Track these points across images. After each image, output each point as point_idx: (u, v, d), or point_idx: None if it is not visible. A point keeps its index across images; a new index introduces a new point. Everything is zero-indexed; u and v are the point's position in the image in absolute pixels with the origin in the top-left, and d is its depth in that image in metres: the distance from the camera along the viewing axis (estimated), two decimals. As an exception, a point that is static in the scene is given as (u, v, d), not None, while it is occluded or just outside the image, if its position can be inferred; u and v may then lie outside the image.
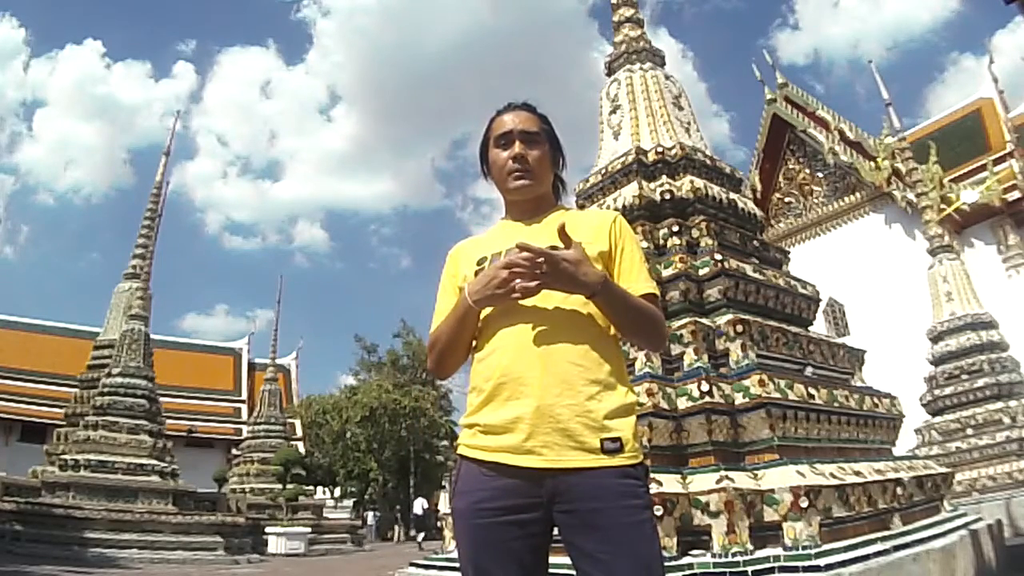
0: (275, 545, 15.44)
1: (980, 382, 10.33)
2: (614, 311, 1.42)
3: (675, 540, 3.52)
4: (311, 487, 22.09)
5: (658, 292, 1.55)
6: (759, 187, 21.24)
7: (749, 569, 3.32)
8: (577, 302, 1.40)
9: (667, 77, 6.83)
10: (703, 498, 3.60)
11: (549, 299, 1.39)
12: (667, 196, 5.57)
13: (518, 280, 1.34)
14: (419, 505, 23.88)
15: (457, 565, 1.55)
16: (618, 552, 1.28)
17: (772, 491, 3.60)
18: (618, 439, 1.34)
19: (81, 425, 13.36)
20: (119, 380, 13.62)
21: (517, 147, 1.56)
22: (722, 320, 4.65)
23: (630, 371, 4.05)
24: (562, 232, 1.37)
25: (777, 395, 4.19)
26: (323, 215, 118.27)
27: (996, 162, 16.43)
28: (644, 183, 5.73)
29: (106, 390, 13.55)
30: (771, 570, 3.30)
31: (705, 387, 4.14)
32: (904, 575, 3.56)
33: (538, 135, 1.59)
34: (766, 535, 3.54)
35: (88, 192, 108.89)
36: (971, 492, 9.29)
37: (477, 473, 1.39)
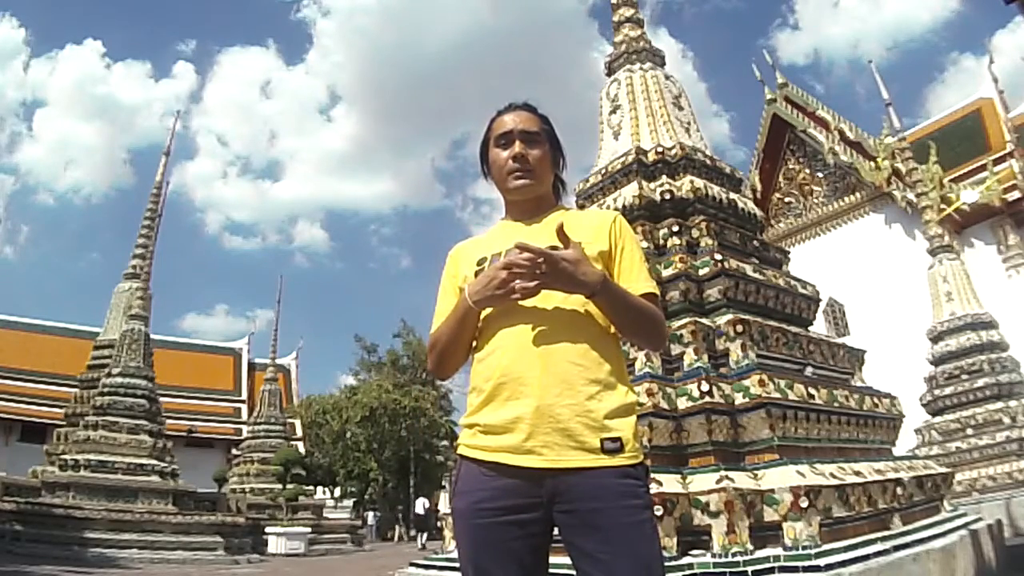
0: (275, 545, 15.44)
1: (980, 382, 10.33)
2: (614, 311, 1.42)
3: (675, 540, 3.52)
4: (311, 487, 22.08)
5: (658, 292, 1.54)
6: (759, 187, 21.24)
7: (749, 569, 3.32)
8: (577, 302, 1.40)
9: (667, 77, 6.83)
10: (703, 498, 3.60)
11: (549, 299, 1.39)
12: (667, 196, 5.57)
13: (518, 280, 1.34)
14: (420, 505, 23.88)
15: (457, 565, 1.55)
16: (618, 552, 1.28)
17: (772, 491, 3.60)
18: (618, 439, 1.34)
19: (81, 425, 13.36)
20: (119, 380, 13.61)
21: (517, 147, 1.56)
22: (722, 320, 4.65)
23: (630, 371, 4.04)
24: (560, 232, 1.37)
25: (777, 395, 4.19)
26: (323, 215, 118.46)
27: (996, 162, 16.42)
28: (644, 183, 5.73)
29: (106, 390, 13.54)
30: (771, 570, 3.30)
31: (705, 387, 4.14)
32: (904, 575, 3.56)
33: (538, 135, 1.59)
34: (766, 535, 3.54)
35: (88, 192, 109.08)
36: (971, 492, 9.28)
37: (477, 473, 1.39)
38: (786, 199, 21.50)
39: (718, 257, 4.97)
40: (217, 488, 18.93)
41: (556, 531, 1.38)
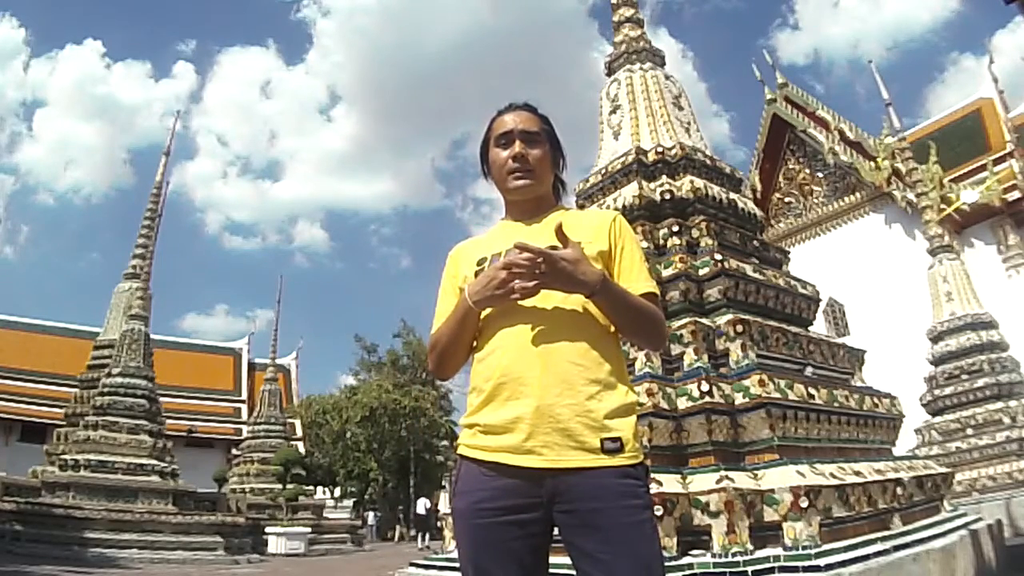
0: (275, 545, 15.44)
1: (980, 382, 10.33)
2: (614, 310, 1.42)
3: (675, 540, 3.52)
4: (311, 487, 22.08)
5: (658, 291, 1.54)
6: (759, 187, 21.24)
7: (749, 569, 3.32)
8: (577, 302, 1.40)
9: (667, 77, 6.83)
10: (703, 498, 3.60)
11: (549, 299, 1.39)
12: (667, 196, 5.57)
13: (517, 280, 1.34)
14: (422, 505, 23.86)
15: (457, 565, 1.55)
16: (618, 552, 1.28)
17: (772, 491, 3.60)
18: (618, 439, 1.34)
19: (81, 425, 13.36)
20: (119, 380, 13.61)
21: (517, 147, 1.56)
22: (722, 320, 4.65)
23: (630, 371, 4.04)
24: (559, 231, 1.37)
25: (777, 395, 4.19)
26: (323, 215, 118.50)
27: (996, 162, 16.42)
28: (644, 183, 5.73)
29: (106, 390, 13.54)
30: (771, 570, 3.30)
31: (705, 387, 4.14)
32: (904, 575, 3.56)
33: (538, 135, 1.59)
34: (766, 535, 3.54)
35: (88, 192, 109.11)
36: (971, 492, 9.28)
37: (477, 473, 1.39)
38: (786, 199, 21.50)
39: (718, 257, 4.97)
40: (217, 488, 18.93)
41: (556, 531, 1.38)
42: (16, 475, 14.15)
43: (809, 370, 4.94)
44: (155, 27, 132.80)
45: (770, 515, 3.57)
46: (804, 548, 3.36)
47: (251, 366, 35.09)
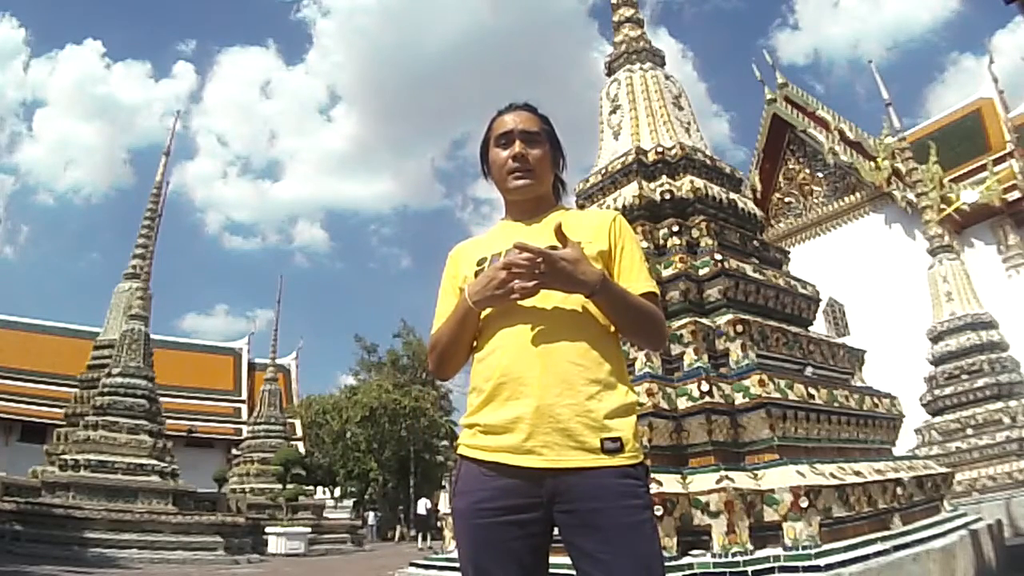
0: (275, 545, 15.44)
1: (980, 382, 10.33)
2: (614, 310, 1.42)
3: (675, 540, 3.52)
4: (311, 487, 22.08)
5: (658, 291, 1.54)
6: (759, 187, 21.24)
7: (749, 569, 3.32)
8: (577, 301, 1.40)
9: (667, 77, 6.83)
10: (703, 498, 3.60)
11: (549, 299, 1.39)
12: (667, 196, 5.57)
13: (517, 280, 1.34)
14: (423, 505, 23.87)
15: (457, 565, 1.55)
16: (618, 552, 1.28)
17: (772, 491, 3.60)
18: (618, 439, 1.34)
19: (81, 425, 13.36)
20: (119, 380, 13.61)
21: (517, 146, 1.56)
22: (722, 320, 4.65)
23: (630, 371, 4.04)
24: (559, 231, 1.37)
25: (777, 395, 4.19)
26: (323, 215, 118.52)
27: (996, 162, 16.42)
28: (644, 183, 5.73)
29: (106, 390, 13.54)
30: (771, 570, 3.30)
31: (705, 387, 4.14)
32: (904, 575, 3.56)
33: (538, 135, 1.59)
34: (766, 535, 3.54)
35: (88, 192, 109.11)
36: (971, 492, 9.28)
37: (477, 473, 1.39)
38: (786, 199, 21.50)
39: (718, 257, 4.97)
40: (217, 488, 18.92)
41: (556, 531, 1.38)
42: (16, 475, 14.15)
43: (809, 370, 4.94)
44: (155, 27, 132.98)
45: (770, 515, 3.57)
46: (804, 548, 3.36)
47: (251, 366, 35.09)
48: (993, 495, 9.05)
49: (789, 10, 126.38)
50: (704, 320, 4.72)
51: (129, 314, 14.71)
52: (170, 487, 12.67)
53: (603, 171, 6.20)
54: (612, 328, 1.46)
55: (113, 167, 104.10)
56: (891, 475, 4.47)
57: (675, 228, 5.32)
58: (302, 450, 26.53)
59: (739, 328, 4.54)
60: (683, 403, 4.19)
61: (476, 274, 1.48)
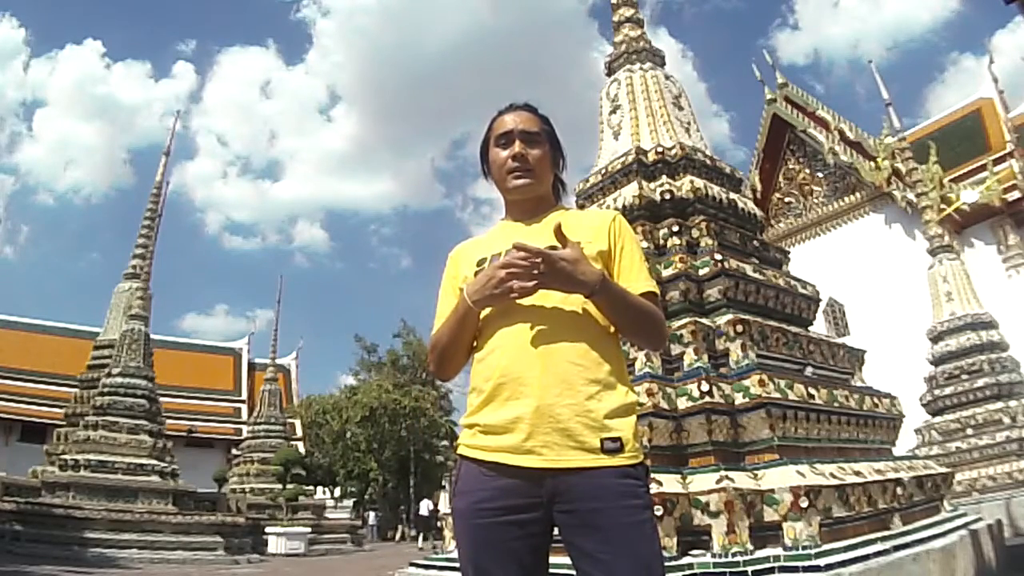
0: (275, 545, 15.44)
1: (980, 382, 10.33)
2: (613, 310, 1.42)
3: (675, 540, 3.52)
4: (311, 487, 22.08)
5: (658, 291, 1.54)
6: (759, 187, 21.24)
7: (749, 569, 3.32)
8: (576, 302, 1.40)
9: (667, 77, 6.83)
10: (703, 498, 3.60)
11: (548, 299, 1.39)
12: (667, 196, 5.57)
13: (515, 280, 1.34)
14: (425, 506, 23.88)
15: (457, 565, 1.55)
16: (618, 552, 1.28)
17: (772, 491, 3.60)
18: (618, 439, 1.34)
19: (81, 425, 13.36)
20: (119, 380, 13.62)
21: (517, 146, 1.56)
22: (722, 320, 4.65)
23: (630, 371, 4.04)
24: (558, 231, 1.37)
25: (777, 395, 4.19)
26: (323, 215, 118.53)
27: (996, 162, 16.42)
28: (644, 183, 5.73)
29: (106, 390, 13.55)
30: (771, 570, 3.30)
31: (705, 387, 4.14)
32: (904, 575, 3.56)
33: (538, 135, 1.59)
34: (766, 535, 3.54)
35: (88, 192, 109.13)
36: (971, 492, 9.29)
37: (477, 473, 1.39)
38: (786, 199, 21.50)
39: (718, 257, 4.97)
40: (217, 488, 18.93)
41: (556, 531, 1.38)
42: (16, 475, 14.15)
43: (809, 370, 4.94)
44: (155, 27, 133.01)
45: (770, 515, 3.57)
46: (804, 548, 3.36)
47: (251, 366, 35.09)
48: (993, 495, 9.05)
49: (789, 10, 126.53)
50: (704, 320, 4.72)
51: (129, 314, 14.72)
52: (170, 487, 12.68)
53: (603, 171, 6.20)
54: (612, 328, 1.46)
55: (113, 167, 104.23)
56: (891, 475, 4.47)
57: (675, 228, 5.32)
58: (302, 450, 26.53)
59: (739, 328, 4.54)
60: (683, 403, 4.19)
61: (476, 274, 1.47)
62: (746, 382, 4.23)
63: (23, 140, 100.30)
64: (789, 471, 3.75)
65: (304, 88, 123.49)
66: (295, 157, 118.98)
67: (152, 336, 15.06)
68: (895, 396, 5.61)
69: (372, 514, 29.60)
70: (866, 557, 3.44)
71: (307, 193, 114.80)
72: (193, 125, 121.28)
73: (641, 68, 6.76)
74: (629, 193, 5.67)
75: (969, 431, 10.11)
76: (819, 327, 7.77)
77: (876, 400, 5.25)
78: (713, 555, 3.48)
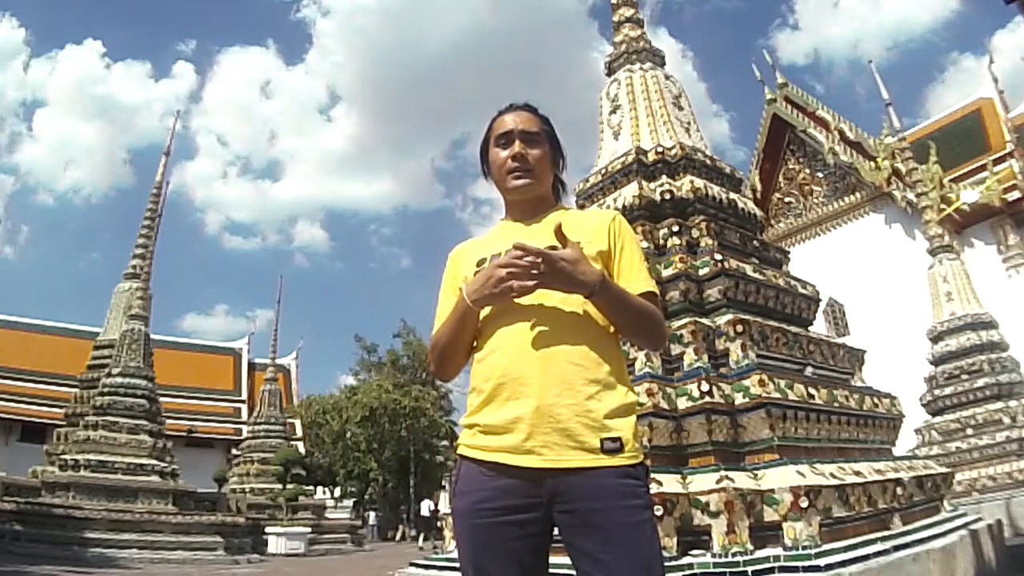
0: (275, 545, 15.45)
1: (980, 382, 10.33)
2: (613, 310, 1.42)
3: (675, 540, 3.52)
4: (311, 487, 22.08)
5: (657, 291, 1.54)
6: (759, 187, 21.24)
7: (749, 569, 3.32)
8: (576, 302, 1.40)
9: (667, 77, 6.83)
10: (703, 498, 3.60)
11: (548, 299, 1.39)
12: (667, 196, 5.57)
13: (515, 280, 1.34)
14: (426, 507, 23.89)
15: (457, 565, 1.55)
16: (618, 552, 1.28)
17: (772, 491, 3.60)
18: (618, 439, 1.34)
19: (81, 425, 13.36)
20: (119, 380, 13.62)
21: (517, 146, 1.56)
22: (722, 320, 4.65)
23: (630, 371, 4.04)
24: (558, 231, 1.37)
25: (777, 395, 4.19)
26: (323, 215, 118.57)
27: (996, 162, 16.43)
28: (644, 183, 5.73)
29: (106, 390, 13.55)
30: (771, 570, 3.30)
31: (705, 387, 4.14)
32: (904, 575, 3.56)
33: (538, 135, 1.59)
34: (766, 535, 3.54)
35: (88, 192, 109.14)
36: (971, 492, 9.29)
37: (477, 473, 1.39)
38: (786, 199, 21.50)
39: (718, 257, 4.97)
40: (217, 488, 18.93)
41: (556, 531, 1.38)
42: (16, 475, 14.15)
43: (809, 370, 4.94)
44: (155, 27, 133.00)
45: (770, 515, 3.57)
46: (804, 548, 3.36)
47: (251, 366, 35.10)
48: (993, 495, 9.05)
49: (789, 10, 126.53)
50: (704, 320, 4.72)
51: (129, 314, 14.72)
52: (170, 487, 12.68)
53: (603, 171, 6.20)
54: (612, 328, 1.46)
55: (113, 167, 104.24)
56: (891, 475, 4.47)
57: (675, 228, 5.32)
58: (302, 450, 26.53)
59: (739, 328, 4.54)
60: (683, 403, 4.19)
61: (476, 274, 1.47)
62: (746, 382, 4.23)
63: (23, 140, 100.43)
64: (789, 471, 3.75)
65: (304, 88, 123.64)
66: (295, 157, 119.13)
67: (152, 336, 15.06)
68: (895, 396, 5.61)
69: (372, 514, 29.61)
70: (866, 557, 3.44)
71: (307, 193, 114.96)
72: (193, 125, 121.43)
73: (641, 68, 6.76)
74: (629, 193, 5.67)
75: (969, 431, 10.11)
76: (819, 327, 7.77)
77: (876, 400, 5.25)
78: (713, 555, 3.48)
